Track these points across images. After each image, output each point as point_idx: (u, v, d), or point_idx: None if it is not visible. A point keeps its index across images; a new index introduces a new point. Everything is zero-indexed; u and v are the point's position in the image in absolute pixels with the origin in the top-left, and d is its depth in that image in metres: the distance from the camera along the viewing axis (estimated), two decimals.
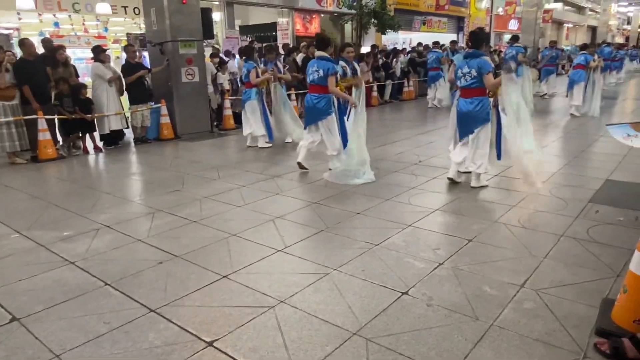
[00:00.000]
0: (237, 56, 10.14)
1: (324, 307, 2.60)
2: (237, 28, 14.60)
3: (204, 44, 8.98)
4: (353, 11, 15.88)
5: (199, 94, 8.49)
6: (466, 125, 4.74)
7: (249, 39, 13.33)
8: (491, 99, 4.66)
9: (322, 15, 17.27)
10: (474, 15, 24.35)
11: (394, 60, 13.20)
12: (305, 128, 5.55)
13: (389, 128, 8.81)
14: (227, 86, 9.23)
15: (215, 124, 9.14)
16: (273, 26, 15.61)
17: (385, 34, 16.56)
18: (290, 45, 12.38)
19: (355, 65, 5.61)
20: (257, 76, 6.97)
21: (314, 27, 16.96)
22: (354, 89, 5.25)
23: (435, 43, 13.09)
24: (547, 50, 13.73)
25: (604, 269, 2.97)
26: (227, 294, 2.77)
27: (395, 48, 15.19)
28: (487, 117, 4.63)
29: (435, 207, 4.27)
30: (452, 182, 4.97)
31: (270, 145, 7.17)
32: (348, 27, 17.52)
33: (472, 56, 4.62)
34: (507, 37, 25.32)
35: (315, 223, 3.91)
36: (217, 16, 13.68)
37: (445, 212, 4.13)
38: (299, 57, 10.87)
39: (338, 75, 5.20)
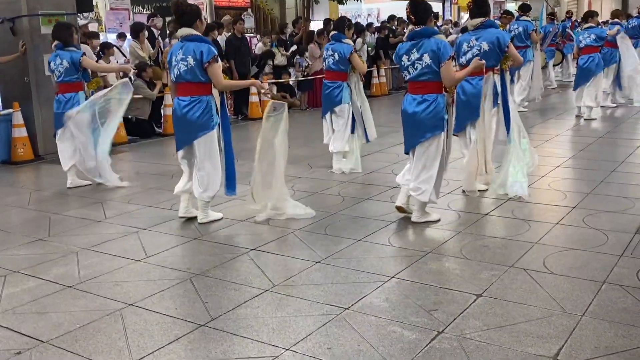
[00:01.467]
0: (129, 36, 10.04)
1: None
2: None
3: (79, 19, 8.81)
4: None
5: None
6: (411, 134, 4.83)
7: (145, 12, 13.25)
8: (447, 96, 4.77)
9: None
10: None
11: (358, 40, 13.51)
12: (177, 151, 5.10)
13: None
14: (113, 81, 9.06)
15: None
16: None
17: (343, 3, 17.01)
18: (208, 21, 12.41)
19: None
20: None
21: None
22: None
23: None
24: (550, 25, 14.51)
25: None
26: None
27: (358, 23, 15.58)
28: (440, 124, 4.70)
29: (427, 249, 4.32)
30: (402, 212, 4.99)
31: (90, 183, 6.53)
32: None
33: (421, 36, 4.66)
34: (510, 5, 26.67)
35: (255, 280, 3.86)
36: None
37: (442, 256, 4.19)
38: (221, 38, 10.89)
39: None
